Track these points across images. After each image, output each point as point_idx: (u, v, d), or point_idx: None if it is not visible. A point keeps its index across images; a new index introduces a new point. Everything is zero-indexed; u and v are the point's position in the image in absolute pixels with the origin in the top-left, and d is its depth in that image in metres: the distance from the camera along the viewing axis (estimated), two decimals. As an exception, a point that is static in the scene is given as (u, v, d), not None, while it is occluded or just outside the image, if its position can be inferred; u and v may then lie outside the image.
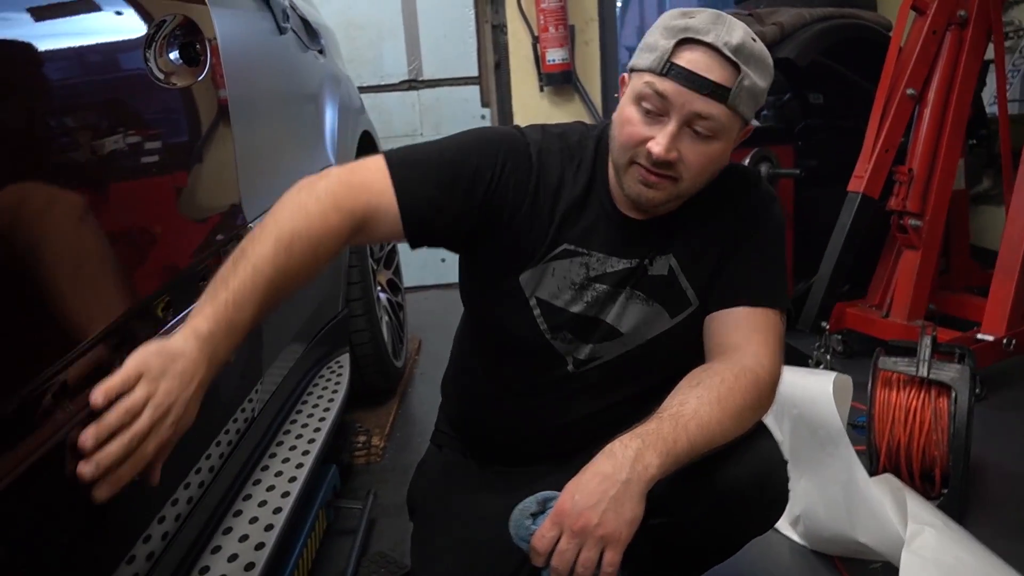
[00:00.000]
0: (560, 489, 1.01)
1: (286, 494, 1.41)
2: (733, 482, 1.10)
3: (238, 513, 1.36)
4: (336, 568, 1.67)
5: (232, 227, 1.33)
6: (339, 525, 1.83)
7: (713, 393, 1.07)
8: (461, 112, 4.20)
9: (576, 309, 1.23)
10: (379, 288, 2.65)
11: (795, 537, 1.76)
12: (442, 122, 4.19)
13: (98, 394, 0.79)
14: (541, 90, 4.09)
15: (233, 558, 1.23)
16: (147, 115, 1.09)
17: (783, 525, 1.78)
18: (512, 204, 1.19)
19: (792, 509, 1.70)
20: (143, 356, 0.84)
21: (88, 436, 0.77)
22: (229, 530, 1.31)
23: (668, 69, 1.07)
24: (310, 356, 1.93)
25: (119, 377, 0.81)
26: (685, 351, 1.23)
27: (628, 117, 1.12)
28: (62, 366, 0.82)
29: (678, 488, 1.08)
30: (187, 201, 1.20)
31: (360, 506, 1.85)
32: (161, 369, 0.84)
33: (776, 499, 1.18)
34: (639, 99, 1.10)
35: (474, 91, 4.23)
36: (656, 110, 1.09)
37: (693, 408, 1.05)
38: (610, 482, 0.97)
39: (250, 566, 1.20)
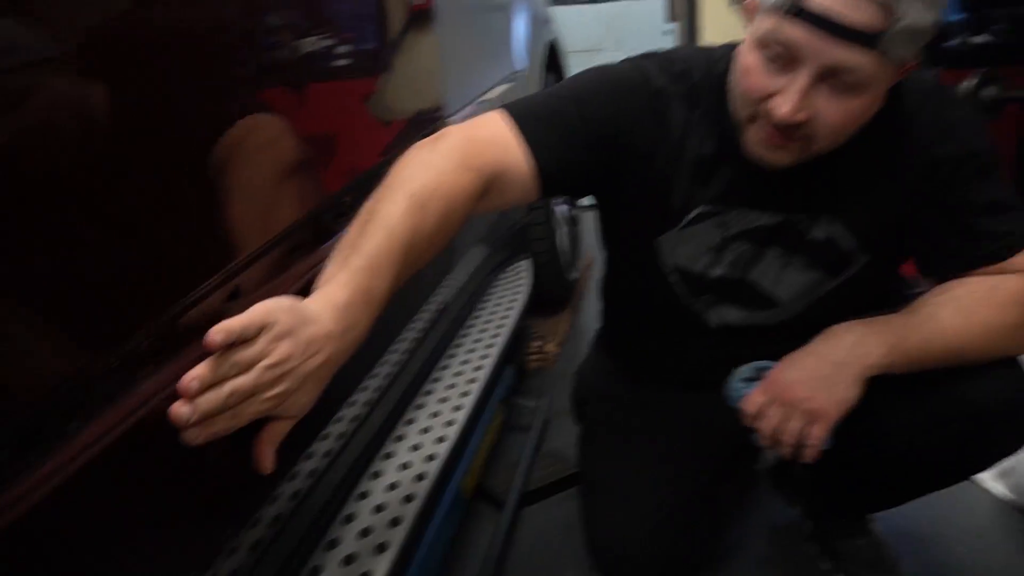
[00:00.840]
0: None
1: (466, 393, 1.40)
2: (981, 395, 0.97)
3: (420, 406, 1.37)
4: (510, 460, 1.67)
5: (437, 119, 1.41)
6: (514, 422, 1.82)
7: (958, 302, 0.95)
8: (646, 27, 3.99)
9: (717, 272, 1.10)
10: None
11: (1001, 490, 1.58)
12: (625, 37, 4.00)
13: (217, 332, 0.63)
14: (732, 4, 3.80)
15: (416, 447, 1.22)
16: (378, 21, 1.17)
17: (986, 477, 1.59)
18: (640, 158, 1.03)
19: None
20: (272, 307, 0.67)
21: (195, 377, 0.62)
22: (411, 422, 1.31)
23: (797, 10, 0.83)
24: (492, 259, 1.91)
25: (240, 321, 0.65)
26: (859, 299, 1.08)
27: (749, 66, 0.90)
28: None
29: (915, 398, 1.00)
30: (403, 96, 1.26)
31: (536, 404, 1.83)
32: (287, 328, 0.67)
33: None
34: (762, 44, 0.88)
35: (659, 4, 3.99)
36: (783, 58, 0.87)
37: (930, 312, 0.96)
38: (824, 362, 0.95)
39: (431, 457, 1.19)
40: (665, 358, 1.25)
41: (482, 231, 1.75)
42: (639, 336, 1.28)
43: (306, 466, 0.95)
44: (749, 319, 1.12)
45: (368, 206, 0.84)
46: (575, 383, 1.45)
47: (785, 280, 1.08)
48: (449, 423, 1.30)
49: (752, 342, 1.09)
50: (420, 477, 1.14)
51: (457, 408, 1.35)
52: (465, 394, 1.40)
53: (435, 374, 1.48)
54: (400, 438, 1.26)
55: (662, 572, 1.21)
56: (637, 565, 1.19)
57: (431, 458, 1.19)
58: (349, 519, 1.05)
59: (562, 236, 2.47)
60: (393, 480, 1.14)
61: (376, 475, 1.16)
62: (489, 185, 0.93)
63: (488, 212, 0.97)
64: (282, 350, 0.66)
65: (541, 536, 1.48)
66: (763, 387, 0.99)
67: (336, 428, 1.01)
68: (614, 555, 1.22)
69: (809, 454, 0.96)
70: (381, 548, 0.98)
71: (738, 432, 1.03)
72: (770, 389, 0.98)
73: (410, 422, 1.31)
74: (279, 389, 0.66)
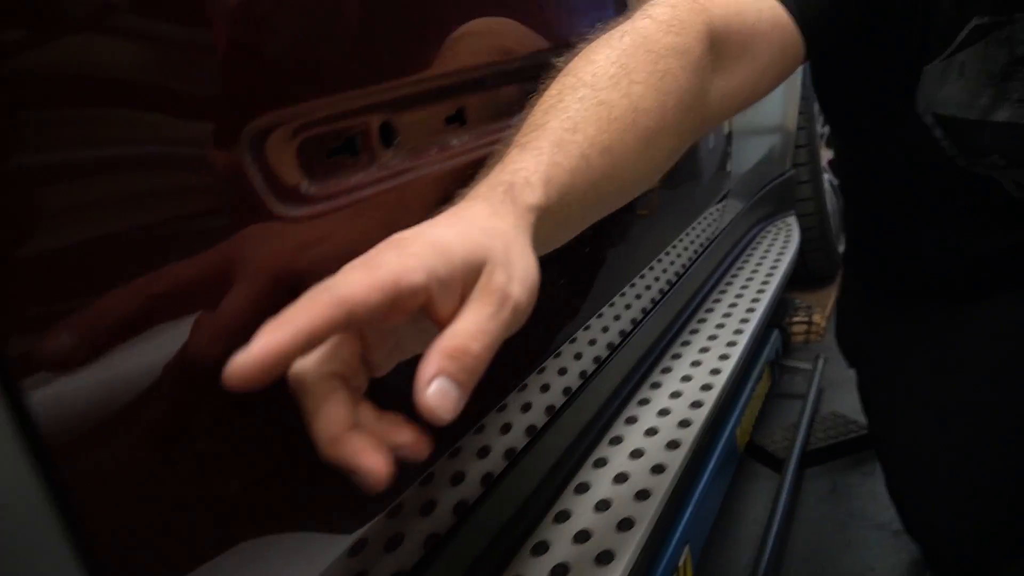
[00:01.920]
0: None
1: (732, 343, 1.20)
2: None
3: (677, 356, 1.17)
4: (784, 423, 1.51)
5: None
6: (783, 388, 1.66)
7: None
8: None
9: (1002, 116, 0.75)
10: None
11: None
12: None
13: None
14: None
15: (676, 395, 1.02)
16: None
17: None
18: None
19: None
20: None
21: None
22: (667, 370, 1.11)
23: None
24: (752, 214, 1.66)
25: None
26: None
27: None
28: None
29: None
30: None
31: (810, 367, 1.63)
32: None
33: None
34: None
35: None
36: None
37: None
38: None
39: (697, 404, 0.98)
40: (942, 258, 0.90)
41: (740, 176, 1.51)
42: (900, 234, 0.95)
43: (541, 400, 0.77)
44: None
45: (553, 89, 0.53)
46: (837, 322, 1.16)
47: None
48: (715, 371, 1.10)
49: None
50: (685, 423, 0.94)
51: (724, 357, 1.15)
52: (732, 344, 1.21)
53: (693, 325, 1.30)
54: (656, 385, 1.07)
55: (998, 552, 0.88)
56: (962, 547, 0.88)
57: (697, 405, 0.99)
58: (600, 463, 0.86)
59: (832, 202, 2.15)
60: (651, 425, 0.95)
61: (630, 420, 0.97)
62: (722, 43, 0.61)
63: (743, 97, 0.65)
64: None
65: (821, 499, 1.33)
66: None
67: (577, 366, 0.83)
68: (932, 532, 0.92)
69: None
70: (642, 495, 0.78)
71: None
72: None
73: (666, 371, 1.12)
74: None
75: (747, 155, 1.53)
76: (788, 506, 1.20)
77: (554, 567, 0.68)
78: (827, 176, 2.27)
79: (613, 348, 0.95)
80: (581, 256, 0.80)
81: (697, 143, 1.23)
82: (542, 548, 0.71)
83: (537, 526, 0.75)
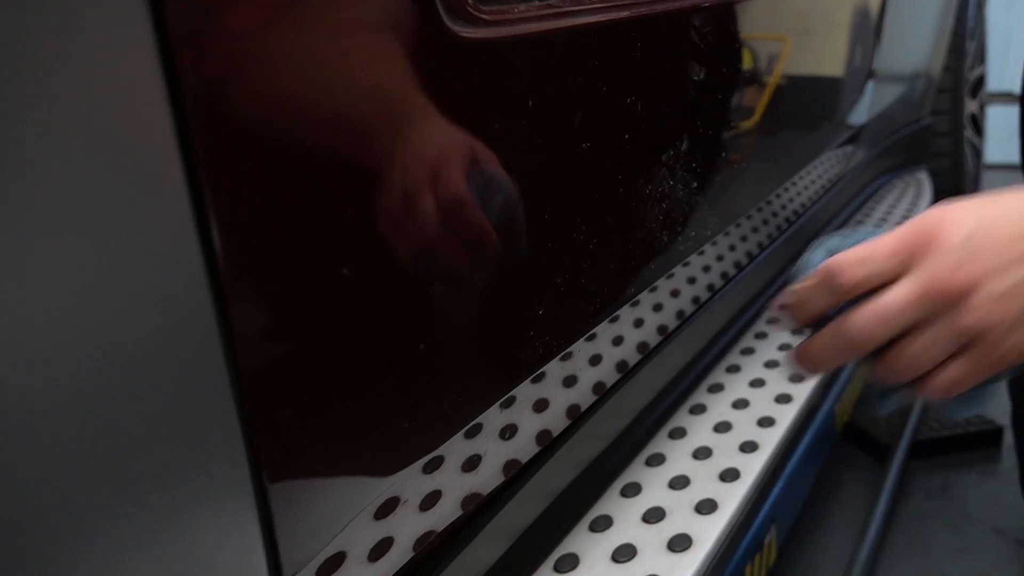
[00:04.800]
0: None
1: None
2: None
3: (761, 335, 1.10)
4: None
5: None
6: None
7: None
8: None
9: None
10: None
11: None
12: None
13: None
14: None
15: (772, 364, 0.97)
16: None
17: None
18: None
19: None
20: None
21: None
22: (762, 335, 1.05)
23: None
24: (878, 163, 1.55)
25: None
26: None
27: None
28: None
29: None
30: None
31: None
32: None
33: None
34: None
35: None
36: None
37: None
38: None
39: (785, 398, 0.93)
40: None
41: (870, 118, 1.40)
42: None
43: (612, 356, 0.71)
44: None
45: None
46: None
47: None
48: None
49: None
50: (784, 399, 0.89)
51: None
52: None
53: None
54: (748, 351, 1.00)
55: None
56: None
57: (798, 378, 0.93)
58: (677, 434, 0.81)
59: (971, 162, 1.99)
60: (740, 397, 0.89)
61: (714, 388, 0.91)
62: None
63: None
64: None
65: (930, 496, 1.25)
66: (916, 286, 0.49)
67: (654, 318, 0.77)
68: None
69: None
70: (728, 476, 0.73)
71: None
72: (925, 288, 0.49)
73: (761, 336, 1.05)
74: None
75: (880, 95, 1.41)
76: (891, 498, 1.14)
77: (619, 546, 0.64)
78: (968, 133, 2.11)
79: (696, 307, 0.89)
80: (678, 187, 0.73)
81: (823, 78, 1.15)
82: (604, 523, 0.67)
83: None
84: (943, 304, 0.47)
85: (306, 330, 0.36)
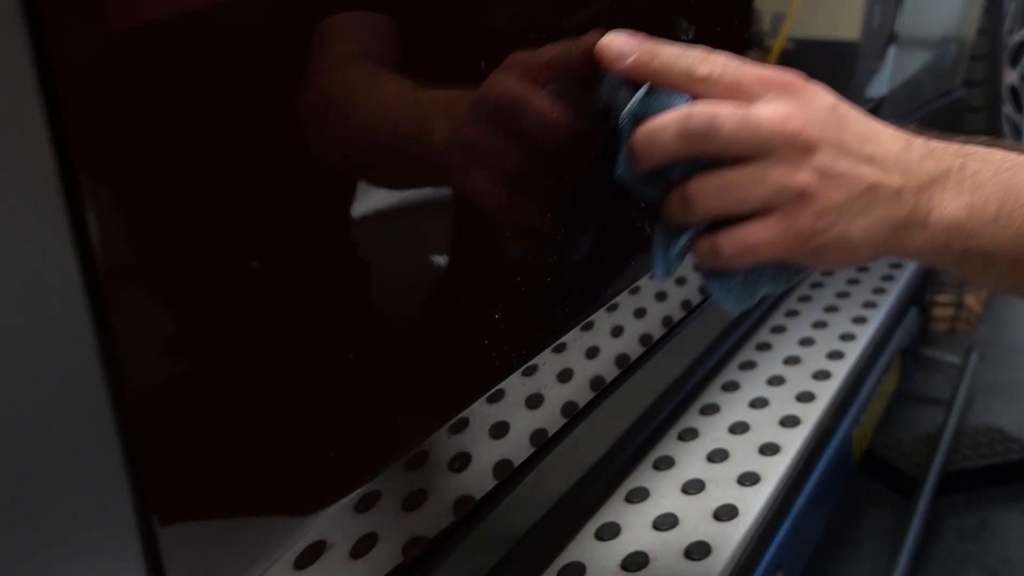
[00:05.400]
0: None
1: (859, 320, 1.19)
2: None
3: (779, 329, 1.13)
4: (916, 433, 1.48)
5: None
6: (917, 387, 1.59)
7: None
8: None
9: None
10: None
11: None
12: None
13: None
14: None
15: (778, 381, 1.00)
16: None
17: None
18: None
19: None
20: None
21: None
22: (766, 347, 1.09)
23: None
24: None
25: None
26: None
27: None
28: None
29: None
30: None
31: (957, 361, 1.58)
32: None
33: None
34: None
35: None
36: None
37: None
38: (869, 164, 0.55)
39: (807, 396, 0.96)
40: None
41: (892, 88, 1.45)
42: None
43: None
44: None
45: None
46: None
47: None
48: (834, 354, 1.07)
49: None
50: (790, 422, 0.91)
51: (846, 337, 1.12)
52: (860, 320, 1.18)
53: (803, 290, 1.27)
54: (749, 365, 1.04)
55: None
56: None
57: (807, 398, 0.96)
58: (663, 464, 0.83)
59: (1008, 143, 2.06)
60: (739, 420, 0.91)
61: (708, 410, 0.94)
62: None
63: None
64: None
65: (964, 537, 1.30)
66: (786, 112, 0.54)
67: (636, 326, 0.79)
68: None
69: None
70: (723, 514, 0.74)
71: None
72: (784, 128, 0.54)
73: (764, 347, 1.09)
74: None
75: (903, 62, 1.45)
76: (919, 540, 1.17)
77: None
78: (1007, 109, 2.17)
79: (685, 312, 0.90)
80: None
81: (838, 41, 1.18)
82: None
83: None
84: (790, 146, 0.52)
85: (201, 347, 0.36)
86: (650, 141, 0.53)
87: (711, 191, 0.53)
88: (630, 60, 0.54)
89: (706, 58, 0.54)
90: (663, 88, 0.54)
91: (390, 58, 0.46)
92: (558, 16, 0.55)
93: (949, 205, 0.54)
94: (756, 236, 0.53)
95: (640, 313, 0.76)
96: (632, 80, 0.55)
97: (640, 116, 0.54)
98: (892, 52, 1.36)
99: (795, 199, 0.52)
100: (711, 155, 0.53)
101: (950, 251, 0.55)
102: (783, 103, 0.53)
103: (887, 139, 0.56)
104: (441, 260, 0.52)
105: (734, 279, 0.57)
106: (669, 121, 0.52)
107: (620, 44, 0.55)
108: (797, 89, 0.54)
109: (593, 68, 0.56)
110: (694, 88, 0.53)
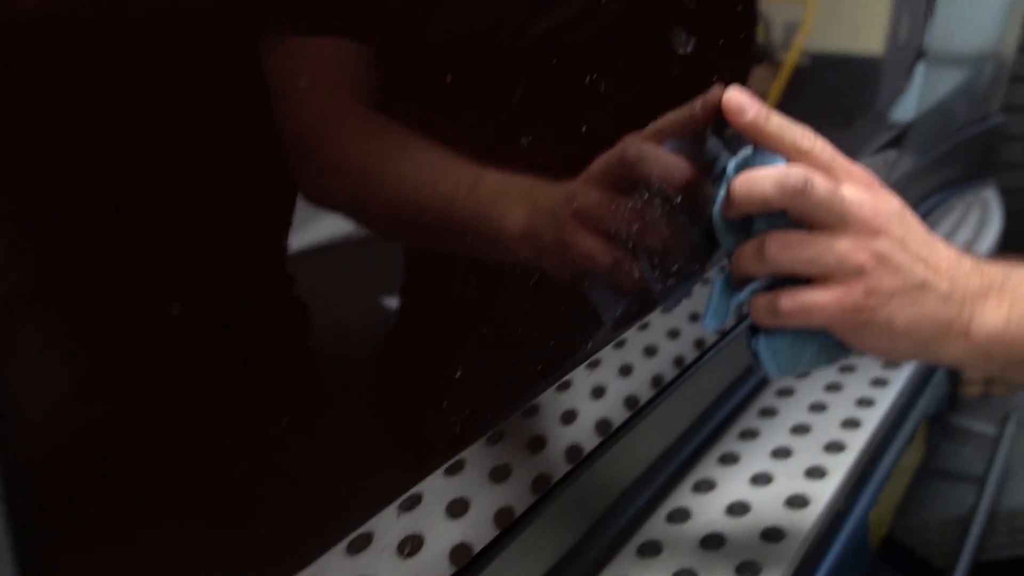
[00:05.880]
0: None
1: (878, 382, 1.21)
2: None
3: (785, 392, 1.16)
4: (943, 515, 1.54)
5: None
6: (944, 462, 1.65)
7: None
8: None
9: None
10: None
11: None
12: None
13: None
14: None
15: (783, 453, 1.02)
16: None
17: None
18: None
19: None
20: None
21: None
22: (769, 412, 1.12)
23: None
24: (929, 177, 1.63)
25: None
26: None
27: None
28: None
29: None
30: None
31: (992, 432, 1.61)
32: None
33: None
34: None
35: None
36: None
37: None
38: (918, 264, 0.73)
39: (817, 472, 0.98)
40: None
41: (919, 115, 1.49)
42: None
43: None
44: None
45: None
46: None
47: None
48: (849, 423, 1.09)
49: None
50: (797, 502, 0.93)
51: (864, 403, 1.15)
52: (878, 383, 1.20)
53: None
54: (750, 434, 1.06)
55: None
56: None
57: (818, 474, 0.98)
58: (648, 551, 0.84)
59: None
60: (737, 499, 0.93)
61: (701, 487, 0.95)
62: None
63: None
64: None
65: None
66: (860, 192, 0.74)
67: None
68: None
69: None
70: None
71: None
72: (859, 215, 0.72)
73: (768, 413, 1.12)
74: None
75: (933, 83, 1.47)
76: None
77: None
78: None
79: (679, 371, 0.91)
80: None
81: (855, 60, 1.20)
82: None
83: None
84: (862, 227, 0.69)
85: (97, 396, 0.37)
86: (750, 187, 0.70)
87: (787, 245, 0.70)
88: (749, 116, 0.71)
89: (809, 135, 0.72)
90: (766, 149, 0.73)
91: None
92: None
93: (990, 316, 0.69)
94: (813, 298, 0.69)
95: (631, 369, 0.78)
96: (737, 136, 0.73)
97: (741, 167, 0.72)
98: (920, 71, 1.38)
99: (853, 273, 0.69)
100: (795, 215, 0.70)
101: (993, 359, 0.70)
102: (863, 192, 0.71)
103: (942, 249, 0.72)
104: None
105: (782, 341, 0.74)
106: (770, 172, 0.69)
107: (743, 100, 0.71)
108: (876, 187, 0.73)
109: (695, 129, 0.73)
110: (796, 156, 0.71)
